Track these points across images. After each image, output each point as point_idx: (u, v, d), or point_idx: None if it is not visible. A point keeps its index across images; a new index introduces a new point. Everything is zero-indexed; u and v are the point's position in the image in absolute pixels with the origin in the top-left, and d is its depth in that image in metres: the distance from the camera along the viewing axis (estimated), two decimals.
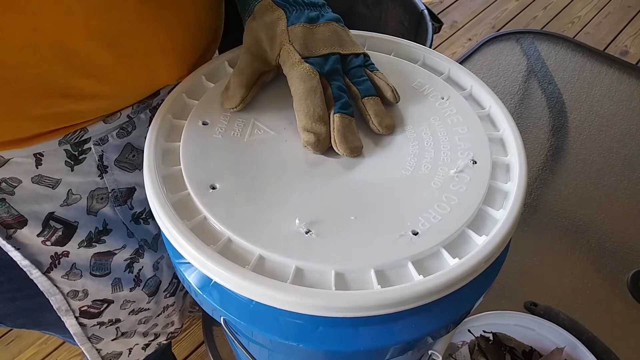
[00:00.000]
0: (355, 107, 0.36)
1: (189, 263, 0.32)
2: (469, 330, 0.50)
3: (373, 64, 0.38)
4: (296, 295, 0.27)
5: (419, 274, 0.28)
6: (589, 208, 0.72)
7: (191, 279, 0.33)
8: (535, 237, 0.69)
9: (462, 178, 0.33)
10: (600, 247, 0.68)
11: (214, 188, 0.32)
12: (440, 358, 0.42)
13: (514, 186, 0.32)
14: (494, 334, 0.49)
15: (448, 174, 0.33)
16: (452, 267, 0.28)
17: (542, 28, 2.10)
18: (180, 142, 0.35)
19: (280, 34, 0.37)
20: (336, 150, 0.34)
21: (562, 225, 0.71)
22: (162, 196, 0.31)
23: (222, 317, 0.33)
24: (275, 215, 0.31)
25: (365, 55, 0.38)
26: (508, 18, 2.17)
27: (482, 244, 0.29)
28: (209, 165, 0.33)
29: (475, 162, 0.33)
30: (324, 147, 0.34)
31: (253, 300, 0.30)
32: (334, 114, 0.34)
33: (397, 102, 0.37)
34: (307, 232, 0.30)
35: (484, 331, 0.49)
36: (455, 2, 2.26)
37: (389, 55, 0.43)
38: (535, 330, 0.50)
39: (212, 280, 0.32)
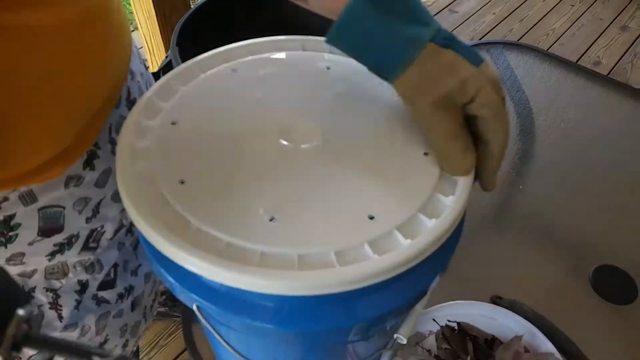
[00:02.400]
0: None
1: (161, 255, 0.34)
2: (433, 319, 0.52)
3: None
4: (262, 276, 0.29)
5: (374, 253, 0.30)
6: (553, 207, 0.75)
7: (165, 268, 0.35)
8: (502, 234, 0.73)
9: (415, 168, 0.35)
10: (564, 244, 0.71)
11: (182, 182, 0.34)
12: (405, 341, 0.44)
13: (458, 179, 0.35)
14: (458, 323, 0.52)
15: (402, 164, 0.35)
16: (405, 246, 0.30)
17: (518, 40, 2.17)
18: (149, 141, 0.37)
19: (474, 77, 0.32)
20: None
21: (528, 224, 0.74)
22: (133, 192, 0.33)
23: (194, 304, 0.35)
24: (241, 205, 0.33)
25: None
26: (486, 30, 2.23)
27: (432, 226, 0.31)
28: (177, 162, 0.35)
29: (427, 154, 0.36)
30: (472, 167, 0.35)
31: (223, 285, 0.32)
32: None
33: None
34: (270, 220, 0.32)
35: (449, 320, 0.52)
36: (434, 15, 2.32)
37: None
38: (497, 319, 0.52)
39: (183, 268, 0.34)
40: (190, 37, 1.01)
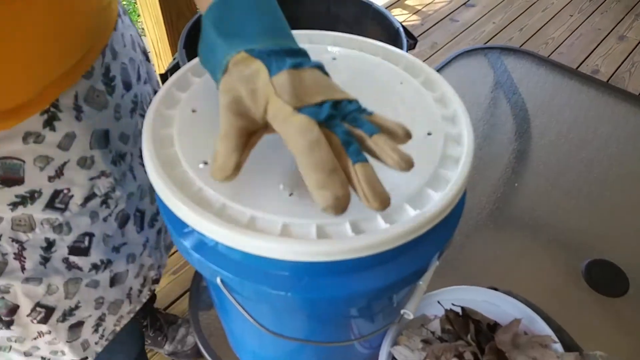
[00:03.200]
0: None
1: (188, 232, 0.37)
2: (438, 302, 0.55)
3: (366, 109, 0.34)
4: (285, 244, 0.32)
5: (386, 223, 0.33)
6: (547, 205, 0.79)
7: (192, 246, 0.37)
8: (498, 231, 0.76)
9: (420, 147, 0.38)
10: (557, 240, 0.74)
11: (205, 163, 0.37)
12: (412, 316, 0.47)
13: (463, 152, 0.38)
14: (462, 308, 0.55)
15: (408, 143, 0.38)
16: (413, 216, 0.33)
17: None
18: (172, 128, 0.40)
19: (263, 86, 0.34)
20: (367, 204, 0.30)
21: (522, 221, 0.77)
22: (162, 173, 0.36)
23: (218, 277, 0.38)
24: (262, 182, 0.36)
25: (357, 101, 0.35)
26: (486, 39, 2.28)
27: (437, 199, 0.35)
28: (199, 146, 0.38)
29: (430, 134, 0.40)
30: (345, 205, 0.30)
31: (245, 256, 0.35)
32: (353, 163, 0.31)
33: (410, 139, 0.33)
34: (290, 195, 0.36)
35: (453, 304, 0.55)
36: (435, 24, 2.37)
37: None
38: (500, 306, 0.55)
39: (210, 243, 0.37)
40: (196, 40, 1.04)
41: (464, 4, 2.47)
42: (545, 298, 0.65)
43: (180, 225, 0.38)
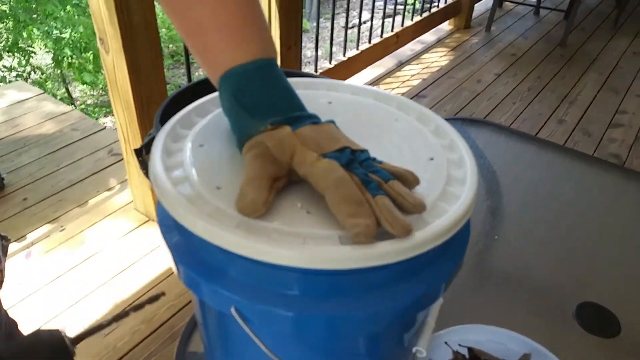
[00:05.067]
0: None
1: (200, 261, 0.36)
2: (445, 343, 0.53)
3: (376, 158, 0.38)
4: (310, 250, 0.32)
5: None
6: (528, 255, 0.81)
7: (205, 275, 0.36)
8: (482, 282, 0.76)
9: (425, 170, 0.40)
10: (544, 287, 0.75)
11: (219, 188, 0.37)
12: (425, 354, 0.45)
13: (466, 172, 0.40)
14: (469, 348, 0.53)
15: (414, 167, 0.40)
16: (433, 224, 0.34)
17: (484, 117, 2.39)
18: (179, 158, 0.40)
19: (287, 137, 0.37)
20: (391, 231, 0.32)
21: (507, 270, 0.78)
22: (175, 193, 0.36)
23: (232, 307, 0.36)
24: (279, 203, 0.36)
25: (368, 152, 0.39)
26: (456, 110, 2.43)
27: (452, 210, 0.36)
28: (210, 174, 0.39)
29: (432, 159, 0.41)
30: (375, 233, 0.32)
31: (264, 274, 0.34)
32: (374, 197, 0.34)
33: (419, 184, 0.37)
34: (307, 213, 0.36)
35: (460, 345, 0.53)
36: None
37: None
38: (505, 344, 0.54)
39: (225, 269, 0.36)
40: (170, 116, 1.06)
41: (416, 95, 2.67)
42: (540, 340, 0.65)
43: (192, 257, 0.37)
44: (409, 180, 0.37)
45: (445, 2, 3.09)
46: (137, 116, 1.43)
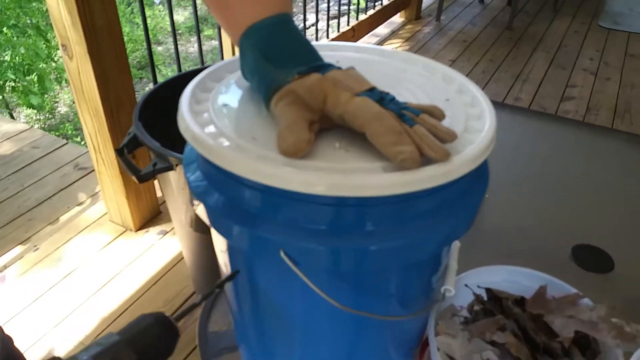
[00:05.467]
0: None
1: (249, 209, 0.36)
2: (465, 285, 0.55)
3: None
4: (362, 180, 0.33)
5: None
6: (518, 210, 0.85)
7: (257, 221, 0.37)
8: (480, 236, 0.79)
9: (445, 109, 0.41)
10: (538, 236, 0.79)
11: (254, 139, 0.38)
12: (453, 292, 0.47)
13: (483, 109, 0.42)
14: (488, 289, 0.55)
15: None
16: (466, 151, 0.36)
17: None
18: (207, 115, 0.41)
19: (318, 81, 0.38)
20: (433, 156, 0.34)
21: (501, 225, 0.82)
22: (224, 148, 0.36)
23: (281, 250, 0.37)
24: (318, 143, 0.37)
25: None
26: None
27: (479, 139, 0.38)
28: (240, 127, 0.40)
29: (448, 100, 0.43)
30: (419, 159, 0.33)
31: (309, 211, 0.35)
32: (411, 126, 0.35)
33: (445, 117, 0.39)
34: (346, 151, 0.37)
35: (478, 286, 0.55)
36: None
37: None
38: (519, 282, 0.57)
39: (275, 214, 0.36)
40: (147, 114, 1.05)
41: None
42: None
43: (235, 211, 0.37)
44: (436, 114, 0.39)
45: None
46: (107, 122, 1.40)
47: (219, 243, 0.47)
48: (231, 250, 0.44)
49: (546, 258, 0.74)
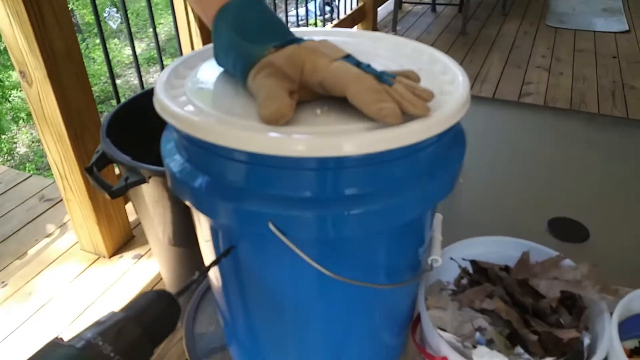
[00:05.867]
0: None
1: (234, 183, 0.36)
2: (451, 258, 0.56)
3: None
4: (350, 139, 0.34)
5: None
6: (492, 191, 0.87)
7: (242, 198, 0.36)
8: (459, 217, 0.81)
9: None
10: (513, 213, 0.81)
11: (236, 115, 0.38)
12: (440, 262, 0.48)
13: (454, 76, 0.43)
14: (473, 261, 0.56)
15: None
16: (445, 107, 0.38)
17: None
18: (188, 97, 0.41)
19: (295, 50, 0.39)
20: (414, 111, 0.35)
21: (477, 205, 0.83)
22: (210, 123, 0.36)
23: (270, 222, 0.36)
24: (298, 114, 0.37)
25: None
26: None
27: (455, 97, 0.39)
28: (223, 104, 0.40)
29: (421, 69, 0.44)
30: (400, 114, 0.34)
31: (297, 179, 0.35)
32: (390, 86, 0.36)
33: (419, 81, 0.40)
34: (328, 117, 0.37)
35: (463, 259, 0.56)
36: None
37: None
38: (503, 252, 0.58)
39: (259, 187, 0.36)
40: (118, 132, 1.03)
41: None
42: None
43: (222, 189, 0.37)
44: (412, 77, 0.40)
45: (351, 9, 3.23)
46: (72, 147, 1.37)
47: (204, 231, 0.46)
48: (218, 235, 0.44)
49: (524, 232, 0.76)
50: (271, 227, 0.36)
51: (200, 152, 0.38)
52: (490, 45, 3.20)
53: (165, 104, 0.38)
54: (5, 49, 1.25)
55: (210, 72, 0.46)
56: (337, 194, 0.36)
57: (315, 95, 0.39)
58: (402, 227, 0.42)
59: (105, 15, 5.05)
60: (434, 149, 0.39)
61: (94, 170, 0.99)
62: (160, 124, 0.43)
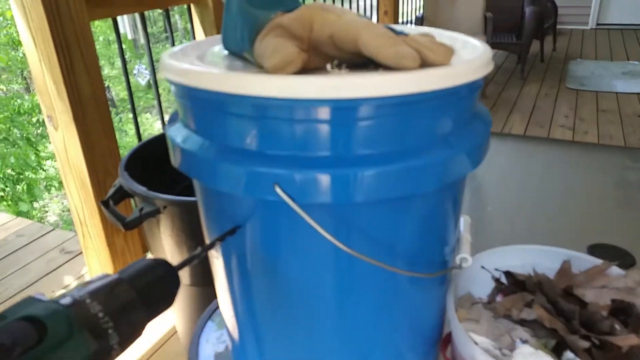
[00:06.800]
0: None
1: (240, 147, 0.33)
2: (482, 267, 0.51)
3: None
4: (366, 80, 0.31)
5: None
6: (522, 220, 0.81)
7: (246, 161, 0.34)
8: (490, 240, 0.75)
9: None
10: (552, 239, 0.75)
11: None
12: (470, 261, 0.43)
13: (476, 45, 0.41)
14: (507, 272, 0.51)
15: None
16: (468, 60, 0.35)
17: None
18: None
19: (303, 9, 0.37)
20: (435, 58, 0.33)
21: (508, 232, 0.78)
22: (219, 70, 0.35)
23: (277, 186, 0.33)
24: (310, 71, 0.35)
25: None
26: None
27: (478, 53, 0.37)
28: (233, 68, 0.38)
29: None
30: (418, 58, 0.32)
31: (307, 135, 0.32)
32: (406, 36, 0.34)
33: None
34: (339, 70, 0.35)
35: (496, 269, 0.51)
36: None
37: None
38: (539, 263, 0.52)
39: (265, 146, 0.33)
40: (135, 167, 1.03)
41: None
42: None
43: (228, 154, 0.34)
44: (428, 36, 0.37)
45: None
46: (94, 192, 1.37)
47: (211, 209, 0.42)
48: (223, 213, 0.40)
49: None
50: (278, 190, 0.33)
51: (205, 115, 0.35)
52: (511, 107, 3.22)
53: (171, 63, 0.37)
54: (43, 120, 1.30)
55: (219, 53, 0.45)
56: (350, 151, 0.33)
57: (327, 60, 0.37)
58: (424, 203, 0.38)
59: (134, 72, 5.30)
60: (456, 113, 0.36)
61: (110, 204, 0.98)
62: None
